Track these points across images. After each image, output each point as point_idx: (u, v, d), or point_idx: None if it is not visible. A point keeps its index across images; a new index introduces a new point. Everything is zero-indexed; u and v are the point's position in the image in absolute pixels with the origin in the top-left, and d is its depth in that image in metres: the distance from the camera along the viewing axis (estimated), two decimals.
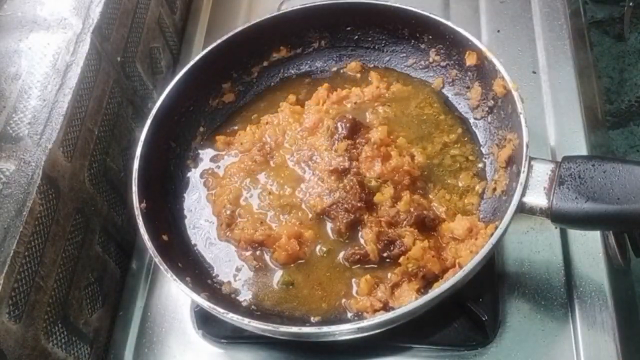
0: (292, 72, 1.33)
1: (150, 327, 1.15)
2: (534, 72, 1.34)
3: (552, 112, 1.28)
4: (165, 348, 1.13)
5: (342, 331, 0.93)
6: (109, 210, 1.20)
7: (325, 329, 0.93)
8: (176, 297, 1.17)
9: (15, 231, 0.93)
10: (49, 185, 1.01)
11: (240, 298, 1.05)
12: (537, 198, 0.95)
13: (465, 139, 1.17)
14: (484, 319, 1.03)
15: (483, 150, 1.15)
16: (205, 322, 1.11)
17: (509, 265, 1.11)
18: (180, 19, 1.59)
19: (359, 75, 1.30)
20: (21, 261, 0.93)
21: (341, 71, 1.31)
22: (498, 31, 1.42)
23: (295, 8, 1.27)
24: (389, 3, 1.22)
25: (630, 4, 2.48)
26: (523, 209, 0.95)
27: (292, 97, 1.27)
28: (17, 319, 0.92)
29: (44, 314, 0.99)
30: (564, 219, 0.95)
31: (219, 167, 1.21)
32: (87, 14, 1.19)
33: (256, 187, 1.14)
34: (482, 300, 1.04)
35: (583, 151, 1.23)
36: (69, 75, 1.11)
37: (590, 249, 1.11)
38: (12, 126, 1.04)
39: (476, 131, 1.17)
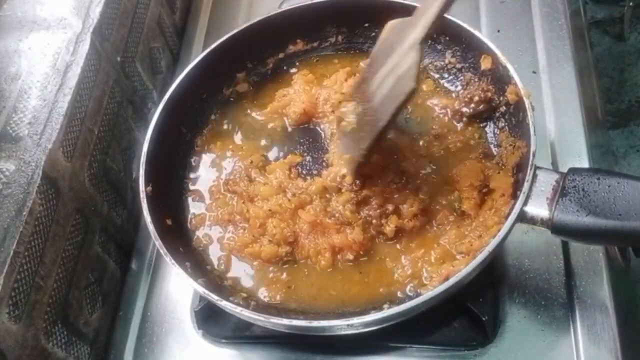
0: (307, 65, 1.33)
1: (150, 327, 1.15)
2: (534, 72, 1.35)
3: (552, 112, 1.28)
4: (165, 348, 1.13)
5: (333, 326, 0.93)
6: (109, 210, 1.20)
7: (315, 323, 0.93)
8: (176, 297, 1.17)
9: (15, 231, 0.93)
10: (49, 185, 1.01)
11: (240, 288, 1.05)
12: (538, 208, 0.94)
13: (477, 142, 1.16)
14: (483, 319, 1.03)
15: (493, 154, 1.14)
16: (206, 322, 1.11)
17: (509, 265, 1.11)
18: (180, 19, 1.59)
19: None
20: (21, 261, 0.93)
21: (357, 65, 1.30)
22: (498, 31, 1.42)
23: (314, 2, 1.27)
24: (407, 2, 1.22)
25: (630, 3, 2.49)
26: (524, 218, 0.94)
27: (306, 71, 1.28)
28: (17, 319, 0.92)
29: (44, 314, 0.99)
30: (564, 231, 0.94)
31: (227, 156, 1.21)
32: (87, 14, 1.19)
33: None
34: (481, 300, 1.04)
35: (583, 151, 1.23)
36: (69, 75, 1.11)
37: (590, 249, 1.11)
38: (12, 126, 1.04)
39: (487, 136, 1.16)
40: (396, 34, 1.02)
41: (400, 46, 1.00)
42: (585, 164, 1.22)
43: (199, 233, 1.12)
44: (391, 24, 1.07)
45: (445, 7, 0.96)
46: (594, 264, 1.10)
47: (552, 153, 1.22)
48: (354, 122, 1.07)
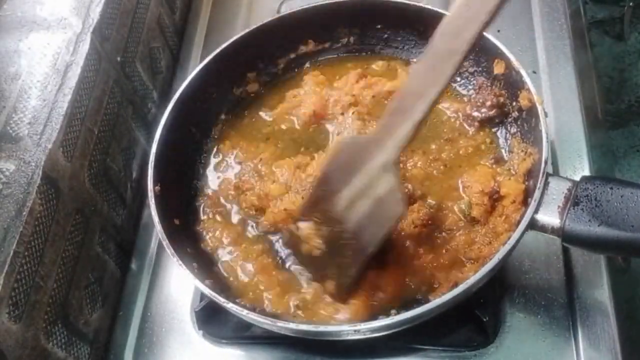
0: (318, 66, 1.32)
1: (150, 327, 1.15)
2: (534, 72, 1.34)
3: (552, 112, 1.28)
4: (165, 348, 1.13)
5: (340, 331, 0.93)
6: (109, 210, 1.20)
7: (322, 328, 0.93)
8: (176, 297, 1.17)
9: (15, 231, 0.93)
10: (49, 185, 1.01)
11: (248, 291, 1.05)
12: (549, 216, 0.93)
13: (488, 147, 1.16)
14: (484, 319, 1.02)
15: (505, 159, 1.13)
16: (206, 322, 1.11)
17: (509, 265, 1.11)
18: (180, 19, 1.59)
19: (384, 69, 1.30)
20: (21, 261, 0.93)
21: (368, 67, 1.30)
22: (498, 31, 1.42)
23: (327, 2, 1.26)
24: (421, 4, 1.22)
25: (630, 4, 2.49)
26: (534, 226, 0.94)
27: (317, 72, 1.28)
28: (17, 319, 0.92)
29: (44, 314, 0.99)
30: (575, 241, 0.93)
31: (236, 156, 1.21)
32: (87, 14, 1.19)
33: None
34: (482, 301, 1.04)
35: (583, 151, 1.23)
36: (69, 75, 1.10)
37: None
38: (12, 126, 1.04)
39: (499, 141, 1.16)
40: (354, 153, 0.96)
41: (365, 165, 0.94)
42: (585, 164, 1.22)
43: (208, 235, 1.12)
44: (344, 143, 1.03)
45: (418, 128, 0.91)
46: (594, 264, 1.10)
47: (552, 153, 1.22)
48: (322, 246, 1.00)
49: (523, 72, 1.08)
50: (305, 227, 1.00)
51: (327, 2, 1.26)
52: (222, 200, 1.15)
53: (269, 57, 1.30)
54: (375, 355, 1.06)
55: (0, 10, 1.19)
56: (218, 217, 1.14)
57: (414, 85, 0.93)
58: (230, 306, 0.94)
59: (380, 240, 0.96)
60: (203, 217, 1.14)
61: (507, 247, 0.91)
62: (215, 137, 1.25)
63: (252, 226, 1.12)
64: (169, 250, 0.98)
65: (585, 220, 0.90)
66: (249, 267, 1.07)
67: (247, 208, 1.12)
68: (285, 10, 1.45)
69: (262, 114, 1.27)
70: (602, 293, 1.07)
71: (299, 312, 1.01)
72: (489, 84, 1.17)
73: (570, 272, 1.10)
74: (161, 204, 1.04)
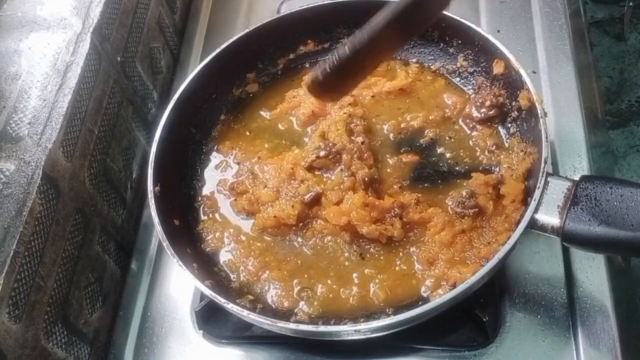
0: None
1: (150, 327, 1.15)
2: (534, 72, 1.34)
3: (552, 112, 1.28)
4: (165, 348, 1.13)
5: (340, 331, 0.93)
6: (109, 210, 1.20)
7: (322, 328, 0.93)
8: (176, 297, 1.17)
9: (15, 231, 0.93)
10: (49, 185, 1.01)
11: (247, 291, 1.05)
12: (549, 216, 0.93)
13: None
14: (484, 319, 1.02)
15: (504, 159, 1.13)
16: (206, 322, 1.11)
17: (509, 265, 1.11)
18: (180, 19, 1.59)
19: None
20: (21, 261, 0.93)
21: None
22: (498, 31, 1.42)
23: (326, 2, 1.26)
24: None
25: (630, 4, 2.49)
26: (534, 226, 0.94)
27: None
28: (17, 319, 0.92)
29: (44, 314, 0.99)
30: (574, 241, 0.93)
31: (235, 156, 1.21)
32: (87, 14, 1.19)
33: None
34: (482, 301, 1.04)
35: (583, 151, 1.23)
36: (69, 75, 1.11)
37: None
38: (12, 126, 1.04)
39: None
40: None
41: None
42: (585, 164, 1.22)
43: (208, 235, 1.12)
44: None
45: None
46: (593, 264, 1.10)
47: (552, 153, 1.22)
48: None
49: (522, 72, 1.08)
50: None
51: (326, 2, 1.26)
52: (221, 201, 1.15)
53: (269, 57, 1.30)
54: (375, 355, 1.06)
55: (0, 10, 1.19)
56: (218, 218, 1.14)
57: None
58: (230, 306, 0.94)
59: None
60: (203, 217, 1.14)
61: (507, 247, 0.91)
62: (215, 137, 1.25)
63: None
64: (169, 251, 0.98)
65: (585, 220, 0.91)
66: (252, 263, 1.07)
67: (239, 211, 1.12)
68: (285, 10, 1.45)
69: (262, 114, 1.27)
70: (602, 293, 1.07)
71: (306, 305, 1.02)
72: (488, 84, 1.17)
73: (570, 272, 1.10)
74: (161, 204, 1.04)
